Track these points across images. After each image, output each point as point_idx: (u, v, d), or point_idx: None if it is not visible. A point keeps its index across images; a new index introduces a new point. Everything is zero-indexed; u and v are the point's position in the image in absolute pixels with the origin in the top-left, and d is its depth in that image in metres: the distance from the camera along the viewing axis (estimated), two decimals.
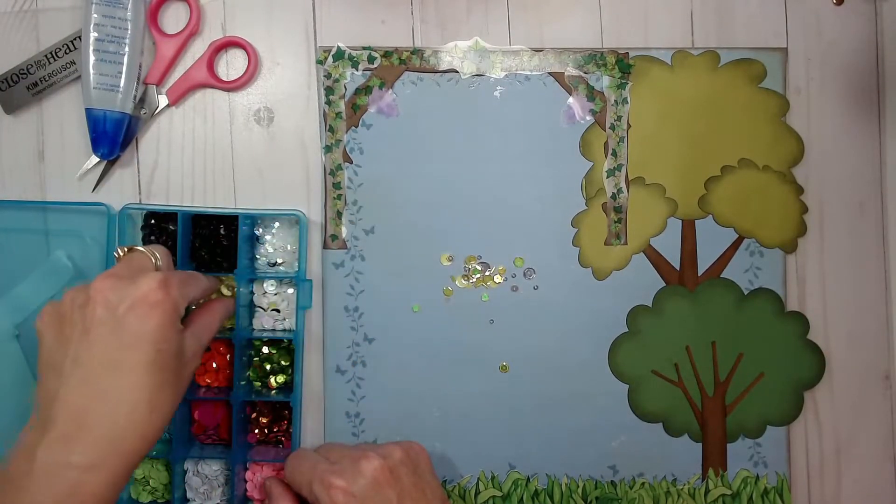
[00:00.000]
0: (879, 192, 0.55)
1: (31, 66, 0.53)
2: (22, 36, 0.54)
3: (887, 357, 0.56)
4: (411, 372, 0.54)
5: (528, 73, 0.54)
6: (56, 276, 0.53)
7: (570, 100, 0.54)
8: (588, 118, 0.54)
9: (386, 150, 0.54)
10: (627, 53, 0.54)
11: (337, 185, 0.54)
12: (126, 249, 0.46)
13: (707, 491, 0.55)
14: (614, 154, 0.54)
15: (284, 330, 0.54)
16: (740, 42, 0.55)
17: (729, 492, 0.55)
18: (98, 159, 0.52)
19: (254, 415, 0.55)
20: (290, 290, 0.54)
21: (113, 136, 0.52)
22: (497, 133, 0.54)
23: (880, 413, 0.55)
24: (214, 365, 0.54)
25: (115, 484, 0.40)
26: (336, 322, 0.54)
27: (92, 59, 0.50)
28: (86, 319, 0.41)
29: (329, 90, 0.54)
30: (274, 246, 0.55)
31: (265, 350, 0.55)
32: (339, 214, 0.54)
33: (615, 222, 0.54)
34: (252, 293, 0.54)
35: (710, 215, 0.55)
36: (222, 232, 0.54)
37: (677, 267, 0.55)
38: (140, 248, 0.46)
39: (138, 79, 0.52)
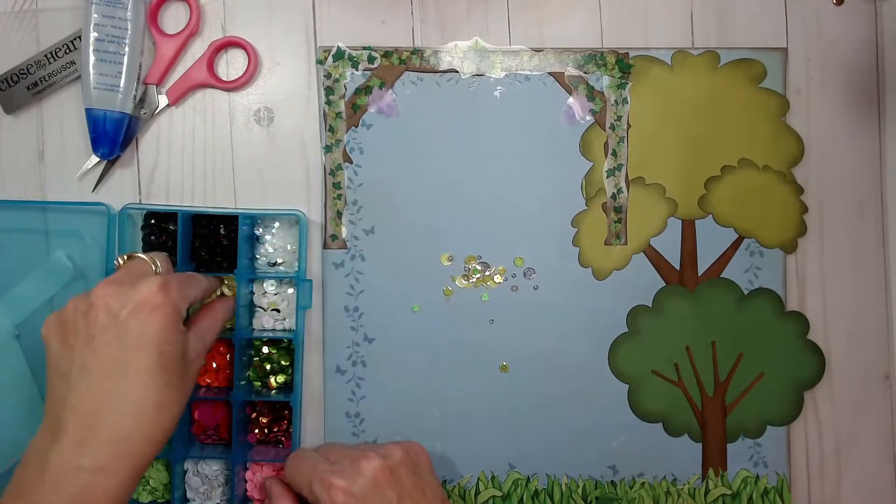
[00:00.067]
0: (879, 192, 0.55)
1: (31, 66, 0.53)
2: (22, 36, 0.54)
3: (887, 357, 0.56)
4: (411, 372, 0.54)
5: (528, 73, 0.54)
6: (56, 276, 0.53)
7: (570, 100, 0.54)
8: (588, 118, 0.54)
9: (386, 150, 0.54)
10: (627, 53, 0.54)
11: (337, 185, 0.54)
12: (126, 257, 0.47)
13: (707, 491, 0.55)
14: (614, 154, 0.54)
15: (284, 330, 0.54)
16: (740, 42, 0.55)
17: (729, 492, 0.55)
18: (98, 159, 0.53)
19: (254, 415, 0.55)
20: (290, 290, 0.54)
21: (113, 136, 0.52)
22: (497, 133, 0.54)
23: (880, 413, 0.55)
24: (214, 365, 0.54)
25: (125, 486, 0.40)
26: (336, 322, 0.54)
27: (92, 59, 0.50)
28: (89, 326, 0.41)
29: (329, 90, 0.54)
30: (274, 246, 0.55)
31: (265, 350, 0.55)
32: (339, 214, 0.54)
33: (615, 222, 0.54)
34: (252, 293, 0.54)
35: (710, 215, 0.55)
36: (222, 232, 0.54)
37: (677, 267, 0.55)
38: (140, 255, 0.47)
39: (138, 79, 0.52)
